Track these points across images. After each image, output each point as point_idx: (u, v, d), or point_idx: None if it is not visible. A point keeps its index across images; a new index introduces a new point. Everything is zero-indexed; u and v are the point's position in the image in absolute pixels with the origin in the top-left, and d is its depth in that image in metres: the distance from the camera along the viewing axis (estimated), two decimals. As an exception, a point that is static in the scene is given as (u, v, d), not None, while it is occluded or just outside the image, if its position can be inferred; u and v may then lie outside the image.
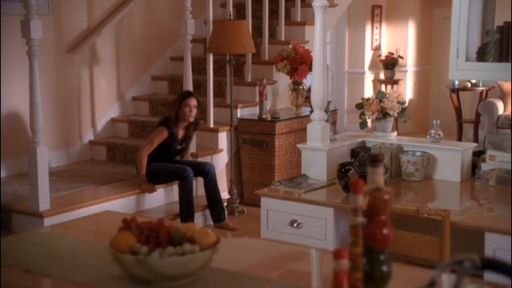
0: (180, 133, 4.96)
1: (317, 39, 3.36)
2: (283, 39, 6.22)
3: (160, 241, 1.75)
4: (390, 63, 8.91)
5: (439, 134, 3.48)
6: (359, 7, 8.58)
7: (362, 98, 3.63)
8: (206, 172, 5.01)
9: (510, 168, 3.23)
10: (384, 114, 3.57)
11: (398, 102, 3.56)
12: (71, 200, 4.70)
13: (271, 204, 3.22)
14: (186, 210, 4.91)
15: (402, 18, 9.08)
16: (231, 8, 5.84)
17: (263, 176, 5.62)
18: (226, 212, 5.19)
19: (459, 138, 8.29)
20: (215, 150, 5.62)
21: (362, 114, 3.62)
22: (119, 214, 2.33)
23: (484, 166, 3.31)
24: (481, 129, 8.18)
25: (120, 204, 4.87)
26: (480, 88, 8.13)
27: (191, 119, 4.92)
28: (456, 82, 8.23)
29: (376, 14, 9.03)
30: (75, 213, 4.51)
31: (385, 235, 1.55)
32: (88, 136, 5.92)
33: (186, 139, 5.04)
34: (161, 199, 5.24)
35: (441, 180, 3.40)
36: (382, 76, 9.16)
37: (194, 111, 4.88)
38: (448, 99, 8.75)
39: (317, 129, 3.41)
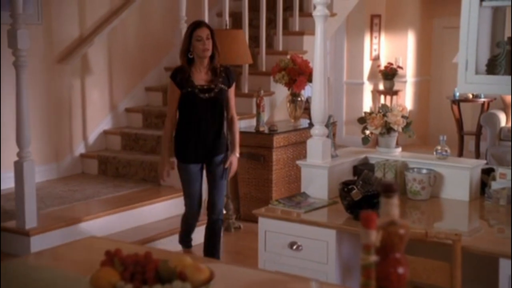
0: (202, 78, 3.96)
1: (318, 50, 3.18)
2: (280, 49, 6.06)
3: (146, 278, 1.56)
4: (390, 74, 8.76)
5: (446, 150, 3.30)
6: (358, 16, 8.43)
7: (365, 112, 3.45)
8: (213, 219, 4.19)
9: (522, 187, 3.05)
10: (388, 129, 3.39)
11: (403, 116, 3.38)
12: (60, 217, 4.52)
13: (269, 225, 3.03)
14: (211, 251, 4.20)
15: (401, 28, 8.93)
16: (227, 17, 5.69)
17: (260, 191, 5.43)
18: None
19: (460, 151, 8.12)
20: (210, 163, 5.42)
21: (365, 128, 3.44)
22: (104, 241, 2.14)
23: (494, 185, 3.13)
24: (483, 141, 8.01)
25: (112, 220, 4.69)
26: (482, 100, 7.97)
27: (208, 53, 3.90)
28: (457, 93, 8.07)
29: (375, 23, 8.88)
30: (64, 231, 4.34)
31: (400, 275, 1.37)
32: (79, 149, 5.75)
33: (215, 83, 3.96)
34: (158, 213, 5.05)
35: (448, 199, 3.22)
36: (381, 86, 9.00)
37: (209, 43, 3.90)
38: (448, 110, 8.58)
39: (317, 145, 3.23)
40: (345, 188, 2.88)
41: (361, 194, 2.85)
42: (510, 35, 3.04)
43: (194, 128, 4.00)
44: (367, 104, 9.00)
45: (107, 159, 5.63)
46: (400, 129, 3.38)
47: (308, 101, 6.07)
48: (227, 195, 5.37)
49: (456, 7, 9.53)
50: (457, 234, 2.48)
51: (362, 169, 3.08)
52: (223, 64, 4.12)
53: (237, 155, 4.18)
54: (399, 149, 3.46)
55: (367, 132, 3.38)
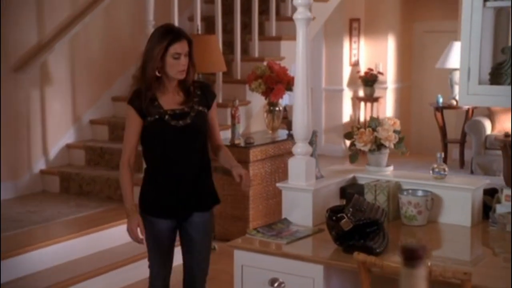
0: (172, 100, 2.89)
1: (300, 57, 2.81)
2: (256, 55, 5.73)
3: None
4: (370, 80, 8.46)
5: (444, 169, 2.94)
6: (337, 20, 8.11)
7: (352, 127, 3.09)
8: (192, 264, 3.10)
9: (532, 211, 2.70)
10: (378, 145, 3.02)
11: (395, 131, 3.03)
12: (17, 242, 4.11)
13: (247, 259, 2.65)
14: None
15: (381, 32, 8.64)
16: (199, 22, 5.33)
17: (236, 208, 5.04)
18: None
19: (445, 159, 7.81)
20: (182, 180, 5.02)
21: (352, 145, 3.07)
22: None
23: (500, 208, 2.78)
24: (467, 149, 7.72)
25: (73, 246, 4.28)
26: (466, 106, 7.68)
27: (184, 74, 2.86)
28: (441, 100, 7.78)
29: (354, 28, 8.57)
30: (21, 259, 3.93)
31: None
32: (39, 165, 5.34)
33: (189, 105, 2.90)
34: (126, 235, 4.60)
35: (448, 224, 2.87)
36: (361, 93, 8.70)
37: (186, 61, 2.83)
38: (430, 117, 8.30)
39: (300, 165, 2.86)
40: (333, 216, 2.51)
41: (352, 223, 2.48)
42: (515, 40, 2.71)
43: (165, 170, 2.90)
44: (347, 112, 8.69)
45: (69, 176, 5.26)
46: (392, 146, 3.03)
47: (286, 109, 5.72)
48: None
49: (437, 11, 9.33)
50: (466, 273, 2.12)
51: (351, 192, 2.70)
52: (197, 79, 3.17)
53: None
54: (391, 167, 3.10)
55: (358, 148, 3.02)
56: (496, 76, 2.63)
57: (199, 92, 2.95)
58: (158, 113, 2.86)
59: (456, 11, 8.11)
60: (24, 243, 4.08)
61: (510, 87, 2.55)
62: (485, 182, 2.96)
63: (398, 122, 3.04)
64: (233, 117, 5.07)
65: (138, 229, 2.90)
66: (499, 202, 2.80)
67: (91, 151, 5.46)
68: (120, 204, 4.94)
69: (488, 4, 2.58)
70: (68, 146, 5.54)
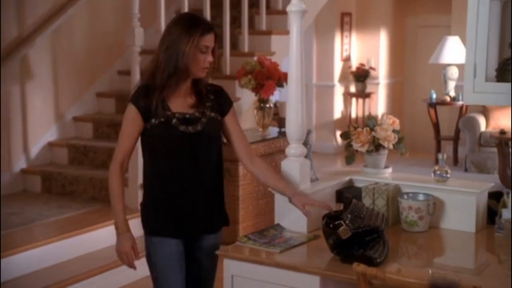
0: (183, 102, 2.53)
1: (294, 52, 2.63)
2: (246, 50, 5.56)
3: None
4: (361, 75, 8.32)
5: (446, 172, 2.77)
6: (328, 14, 7.95)
7: (349, 126, 2.92)
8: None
9: (540, 216, 2.54)
10: (376, 146, 2.85)
11: (394, 131, 2.86)
12: (-8, 246, 3.89)
13: (237, 268, 2.48)
14: None
15: (373, 27, 8.48)
16: (186, 15, 5.10)
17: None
18: None
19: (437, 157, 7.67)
20: (169, 179, 4.85)
21: (349, 145, 2.90)
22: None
23: (506, 213, 2.61)
24: (461, 146, 7.59)
25: (55, 249, 4.11)
26: (460, 103, 7.54)
27: (203, 75, 2.51)
28: (434, 96, 7.63)
29: (345, 22, 8.40)
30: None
31: None
32: (20, 164, 5.17)
33: (200, 109, 2.53)
34: (111, 238, 4.39)
35: (450, 230, 2.71)
36: (353, 89, 8.55)
37: (211, 57, 2.50)
38: (423, 113, 8.16)
39: (294, 167, 2.68)
40: (331, 224, 2.33)
41: (350, 231, 2.30)
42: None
43: (172, 183, 2.51)
44: (338, 108, 8.54)
45: (51, 175, 5.08)
46: (391, 146, 2.86)
47: (276, 106, 5.55)
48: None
49: (430, 5, 9.19)
50: (475, 287, 1.95)
51: (349, 196, 2.52)
52: (210, 82, 2.64)
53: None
54: (390, 169, 2.93)
55: (355, 148, 2.85)
56: (503, 73, 2.46)
57: (212, 96, 2.57)
58: (164, 116, 2.47)
59: (449, 5, 7.97)
60: (3, 247, 3.89)
61: (518, 84, 2.38)
62: (490, 185, 2.79)
63: (397, 121, 2.87)
64: (222, 114, 4.89)
65: (130, 253, 2.51)
66: (505, 206, 2.64)
67: (74, 150, 5.28)
68: (105, 205, 4.78)
69: (496, -5, 2.42)
70: (50, 144, 5.36)
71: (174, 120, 2.48)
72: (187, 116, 2.50)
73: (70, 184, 4.99)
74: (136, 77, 4.74)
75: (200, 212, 2.54)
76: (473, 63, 2.43)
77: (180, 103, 2.51)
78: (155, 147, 2.52)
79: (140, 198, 4.65)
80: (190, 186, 2.52)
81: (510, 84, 2.42)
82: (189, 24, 2.46)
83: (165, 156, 2.51)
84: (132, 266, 2.55)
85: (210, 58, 2.48)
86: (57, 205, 4.73)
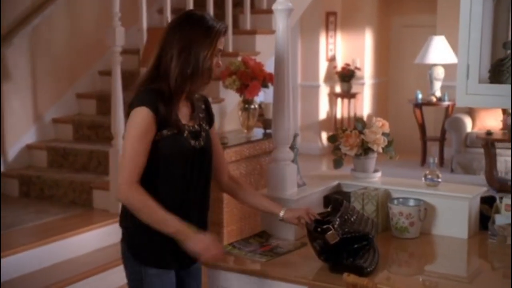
0: (186, 113, 2.27)
1: (280, 52, 2.53)
2: (230, 50, 5.45)
3: None
4: (347, 75, 8.25)
5: (437, 176, 2.69)
6: (313, 13, 7.87)
7: (337, 129, 2.82)
8: None
9: (535, 222, 2.46)
10: (365, 149, 2.76)
11: (383, 134, 2.76)
12: (-33, 254, 3.76)
13: (222, 278, 2.38)
14: None
15: (358, 26, 8.42)
16: (169, 14, 5.01)
17: (209, 212, 4.74)
18: None
19: (424, 158, 7.63)
20: (151, 183, 4.73)
21: (337, 148, 2.80)
22: None
23: (499, 219, 2.54)
24: (447, 147, 7.54)
25: (34, 256, 3.98)
26: (446, 103, 7.50)
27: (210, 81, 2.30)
28: (420, 96, 7.58)
29: (330, 21, 8.34)
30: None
31: None
32: (-3, 167, 5.04)
33: (197, 121, 2.29)
34: (91, 243, 4.35)
35: (442, 236, 2.63)
36: (338, 89, 8.48)
37: (220, 63, 2.29)
38: (408, 114, 8.11)
39: (281, 172, 2.58)
40: (318, 227, 2.23)
41: (339, 236, 2.20)
42: (514, 34, 2.46)
43: (177, 208, 2.19)
44: (323, 108, 8.47)
45: (30, 179, 4.94)
46: (380, 149, 2.76)
47: (261, 106, 5.45)
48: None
49: (415, 5, 9.16)
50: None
51: (338, 198, 2.42)
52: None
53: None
54: (379, 173, 2.84)
55: (343, 152, 2.75)
56: (497, 74, 2.37)
57: (204, 106, 2.35)
58: (177, 127, 2.18)
59: (435, 5, 7.93)
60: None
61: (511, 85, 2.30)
62: (483, 189, 2.71)
63: (387, 124, 2.78)
64: (205, 115, 4.78)
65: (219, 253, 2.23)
66: (498, 212, 2.56)
67: (53, 152, 5.15)
68: (86, 209, 4.66)
69: (489, -6, 2.33)
70: (29, 147, 5.23)
71: (186, 133, 2.21)
72: (192, 129, 2.24)
73: (49, 188, 4.85)
74: (117, 77, 4.61)
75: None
76: (466, 64, 2.34)
77: (182, 114, 2.24)
78: (158, 163, 2.16)
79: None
80: (195, 211, 2.26)
81: (504, 85, 2.33)
82: (207, 25, 2.19)
83: (171, 175, 2.18)
84: (221, 255, 2.25)
85: (220, 62, 2.26)
86: (35, 210, 4.60)
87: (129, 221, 2.23)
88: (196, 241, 2.15)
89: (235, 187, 2.48)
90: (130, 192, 2.12)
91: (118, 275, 4.12)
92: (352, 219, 2.27)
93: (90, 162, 4.98)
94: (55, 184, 4.84)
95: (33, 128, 5.28)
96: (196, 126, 2.25)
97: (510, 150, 6.85)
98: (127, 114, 2.19)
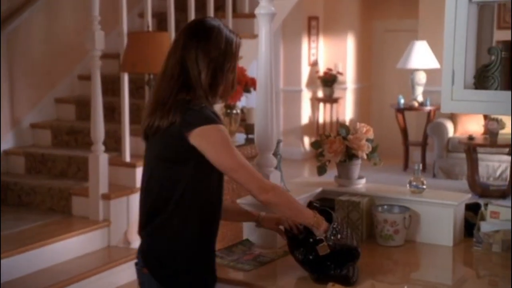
0: None
1: (263, 57, 2.48)
2: (212, 54, 5.36)
3: None
4: (329, 80, 8.24)
5: (422, 183, 2.65)
6: (295, 18, 7.84)
7: (321, 135, 2.77)
8: None
9: (520, 229, 2.43)
10: (350, 156, 2.72)
11: (367, 140, 2.72)
12: None
13: (203, 288, 2.30)
14: None
15: (340, 31, 8.42)
16: (149, 18, 4.94)
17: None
18: None
19: (406, 162, 7.63)
20: (132, 189, 4.67)
21: (320, 155, 2.76)
22: None
23: (484, 226, 2.51)
24: (429, 152, 7.55)
25: (10, 264, 3.88)
26: (428, 108, 7.50)
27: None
28: (402, 101, 7.58)
29: (313, 26, 8.32)
30: None
31: None
32: (-28, 174, 4.91)
33: None
34: (70, 251, 4.28)
35: (427, 244, 2.59)
36: (320, 94, 8.46)
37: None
38: (390, 118, 8.12)
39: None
40: (311, 238, 2.17)
41: (329, 249, 2.15)
42: (499, 40, 2.44)
43: (215, 218, 2.19)
44: (305, 113, 8.44)
45: (7, 185, 4.83)
46: (365, 156, 2.72)
47: (243, 111, 5.40)
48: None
49: (397, 9, 9.17)
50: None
51: (325, 209, 2.35)
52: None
53: None
54: (363, 180, 2.80)
55: (327, 158, 2.71)
56: (482, 80, 2.34)
57: None
58: None
59: (416, 10, 7.94)
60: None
61: (499, 92, 2.27)
62: (467, 196, 2.68)
63: (371, 130, 2.74)
64: (187, 121, 4.72)
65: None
66: (483, 219, 2.53)
67: (31, 158, 5.04)
68: (65, 216, 4.57)
69: (475, -2, 2.30)
70: (6, 153, 5.10)
71: None
72: None
73: (26, 195, 4.75)
74: (97, 81, 4.53)
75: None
76: (451, 70, 2.31)
77: None
78: (207, 175, 2.09)
79: (103, 211, 4.50)
80: (219, 217, 2.21)
81: (489, 91, 2.31)
82: (228, 36, 2.16)
83: (214, 185, 2.13)
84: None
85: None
86: (13, 217, 4.49)
87: (179, 261, 2.11)
88: (324, 226, 2.16)
89: None
90: (275, 196, 2.12)
91: (98, 283, 4.06)
92: (340, 231, 2.22)
93: (69, 168, 4.89)
94: (33, 191, 4.74)
95: (10, 134, 5.16)
96: None
97: (492, 155, 6.88)
98: (180, 133, 2.03)
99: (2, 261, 3.84)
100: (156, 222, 2.12)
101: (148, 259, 2.15)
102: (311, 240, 2.16)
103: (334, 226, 2.17)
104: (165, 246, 2.12)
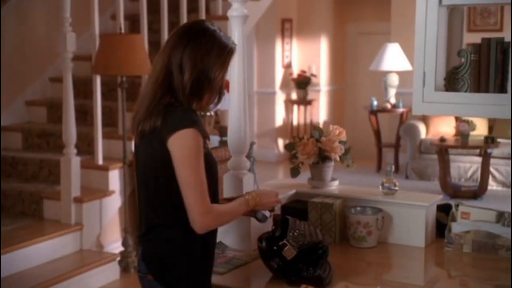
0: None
1: (236, 59, 2.46)
2: (185, 56, 5.33)
3: None
4: (303, 82, 8.25)
5: (394, 184, 2.67)
6: (268, 20, 7.85)
7: (294, 137, 2.78)
8: None
9: (490, 229, 2.46)
10: (323, 158, 2.73)
11: (340, 142, 2.74)
12: None
13: (176, 292, 2.28)
14: None
15: (314, 33, 8.44)
16: (122, 20, 4.90)
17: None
18: None
19: (379, 164, 7.68)
20: (105, 192, 4.63)
21: (294, 157, 2.76)
22: None
23: (456, 227, 2.53)
24: (402, 153, 7.61)
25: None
26: (400, 110, 7.57)
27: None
28: (375, 103, 7.63)
29: (286, 28, 8.33)
30: None
31: None
32: None
33: None
34: (42, 255, 4.21)
35: (399, 245, 2.61)
36: (294, 96, 8.47)
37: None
38: (364, 120, 8.17)
39: (237, 182, 2.52)
40: (274, 246, 2.17)
41: (295, 250, 2.15)
42: (469, 42, 2.48)
43: (212, 238, 2.16)
44: (279, 115, 8.45)
45: (-25, 190, 4.71)
46: (338, 158, 2.74)
47: (217, 113, 5.38)
48: (125, 229, 4.58)
49: (370, 12, 9.25)
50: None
51: (284, 217, 2.35)
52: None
53: None
54: (336, 182, 2.81)
55: (300, 160, 2.71)
56: (453, 82, 2.37)
57: None
58: (206, 146, 2.08)
59: (389, 13, 8.01)
60: None
61: (469, 94, 2.30)
62: (439, 197, 2.71)
63: (344, 131, 2.75)
64: (160, 123, 4.69)
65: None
66: (454, 220, 2.56)
67: (1, 161, 4.94)
68: (36, 220, 4.51)
69: (444, 1, 2.33)
70: (-25, 156, 5.00)
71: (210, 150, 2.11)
72: None
73: (-5, 200, 4.68)
74: (68, 84, 4.47)
75: None
76: (422, 72, 2.33)
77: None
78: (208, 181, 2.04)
79: (75, 215, 4.44)
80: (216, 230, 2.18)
81: (459, 93, 2.33)
82: (220, 43, 2.03)
83: (213, 191, 2.08)
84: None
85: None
86: (-19, 222, 4.41)
87: (184, 264, 2.07)
88: (265, 195, 2.21)
89: None
90: (207, 222, 2.01)
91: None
92: (302, 232, 2.22)
93: (40, 172, 4.82)
94: (3, 195, 4.65)
95: (-20, 137, 5.08)
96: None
97: (463, 156, 6.96)
98: (161, 139, 1.97)
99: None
100: (157, 228, 2.05)
101: (152, 265, 2.07)
102: (275, 248, 2.16)
103: (291, 234, 2.16)
104: (167, 250, 2.05)
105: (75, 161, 4.47)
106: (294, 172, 2.77)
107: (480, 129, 6.78)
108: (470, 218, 2.53)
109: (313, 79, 8.32)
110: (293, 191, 2.78)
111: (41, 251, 4.20)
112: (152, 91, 2.03)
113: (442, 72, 2.42)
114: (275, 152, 8.41)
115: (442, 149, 6.53)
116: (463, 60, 2.36)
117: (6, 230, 4.31)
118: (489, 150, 6.49)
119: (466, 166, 6.98)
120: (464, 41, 2.53)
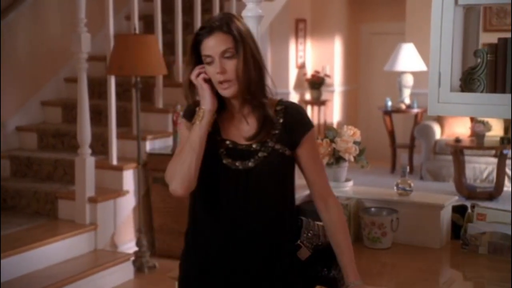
0: (237, 128, 1.97)
1: (249, 61, 2.46)
2: (200, 57, 5.34)
3: None
4: (317, 83, 8.23)
5: (409, 185, 2.66)
6: (282, 21, 7.84)
7: (308, 138, 2.76)
8: None
9: (507, 231, 2.44)
10: (336, 158, 2.72)
11: (355, 143, 2.72)
12: None
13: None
14: None
15: (328, 34, 8.42)
16: (136, 21, 4.92)
17: (178, 221, 4.66)
18: None
19: (393, 165, 7.65)
20: (119, 192, 4.64)
21: (308, 158, 2.75)
22: None
23: (471, 229, 2.51)
24: (416, 154, 7.57)
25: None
26: (415, 110, 7.53)
27: (226, 88, 1.89)
28: (389, 103, 7.60)
29: (300, 28, 8.31)
30: None
31: None
32: (-43, 177, 4.82)
33: (262, 137, 1.95)
34: (56, 255, 4.21)
35: (414, 246, 2.59)
36: (308, 96, 8.45)
37: (222, 67, 1.89)
38: (378, 121, 8.14)
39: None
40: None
41: (309, 251, 2.14)
42: (485, 42, 2.45)
43: (209, 232, 2.00)
44: (293, 116, 8.43)
45: (-8, 189, 4.76)
46: (352, 158, 2.72)
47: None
48: (139, 229, 4.59)
49: (384, 12, 9.21)
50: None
51: (307, 209, 2.35)
52: (284, 100, 2.07)
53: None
54: (351, 182, 2.80)
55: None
56: (469, 82, 2.35)
57: (282, 120, 1.98)
58: (212, 142, 1.93)
59: (403, 13, 7.97)
60: None
61: (485, 95, 2.28)
62: (454, 198, 2.69)
63: (358, 132, 2.74)
64: (174, 123, 4.71)
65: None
66: (470, 221, 2.53)
67: (17, 161, 4.97)
68: (50, 219, 4.53)
69: (460, 1, 2.31)
70: (-9, 156, 5.03)
71: (221, 150, 1.94)
72: (239, 147, 1.94)
73: (11, 198, 4.68)
74: (83, 84, 4.49)
75: (252, 279, 1.98)
76: (437, 72, 2.31)
77: (235, 130, 1.96)
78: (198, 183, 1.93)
79: (89, 215, 4.45)
80: (233, 239, 1.97)
81: (475, 94, 2.31)
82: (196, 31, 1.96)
83: (206, 196, 1.95)
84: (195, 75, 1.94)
85: (218, 68, 1.87)
86: (-4, 222, 4.44)
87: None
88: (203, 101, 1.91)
89: (326, 223, 2.12)
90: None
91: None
92: (315, 233, 2.21)
93: (55, 172, 4.84)
94: (18, 194, 4.68)
95: (-4, 137, 5.11)
96: (253, 145, 1.93)
97: (478, 157, 6.91)
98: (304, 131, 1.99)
99: (-14, 265, 3.80)
100: None
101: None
102: None
103: (305, 235, 2.15)
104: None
105: (90, 161, 4.49)
106: (308, 173, 2.75)
107: (496, 129, 6.73)
108: (486, 220, 2.51)
109: (327, 80, 8.30)
110: (307, 192, 2.77)
111: (56, 251, 4.22)
112: None
113: (458, 72, 2.40)
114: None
115: (457, 150, 6.49)
116: (479, 60, 2.33)
117: (21, 229, 4.33)
118: (505, 151, 6.43)
119: (481, 167, 6.92)
120: (480, 41, 2.51)
